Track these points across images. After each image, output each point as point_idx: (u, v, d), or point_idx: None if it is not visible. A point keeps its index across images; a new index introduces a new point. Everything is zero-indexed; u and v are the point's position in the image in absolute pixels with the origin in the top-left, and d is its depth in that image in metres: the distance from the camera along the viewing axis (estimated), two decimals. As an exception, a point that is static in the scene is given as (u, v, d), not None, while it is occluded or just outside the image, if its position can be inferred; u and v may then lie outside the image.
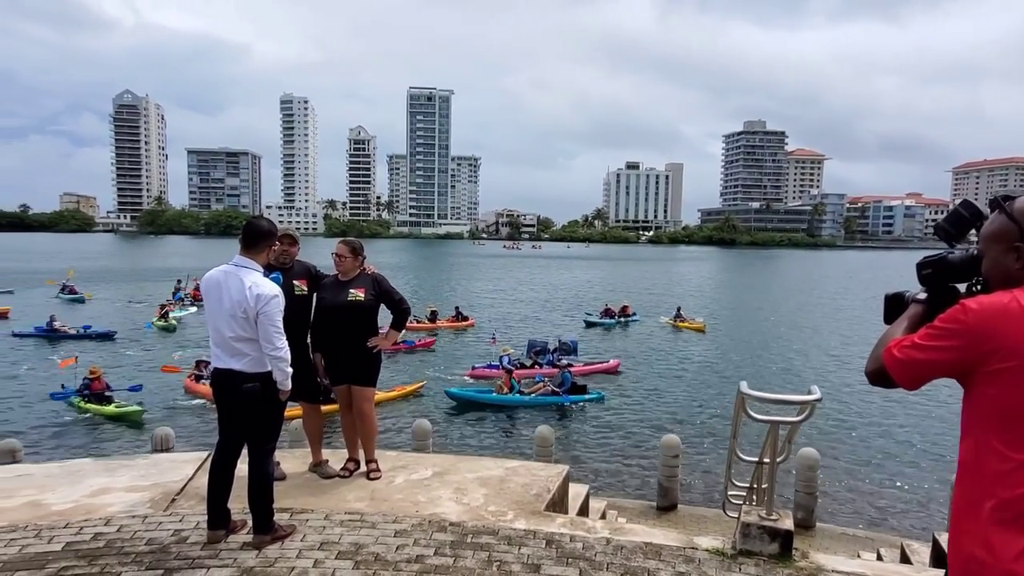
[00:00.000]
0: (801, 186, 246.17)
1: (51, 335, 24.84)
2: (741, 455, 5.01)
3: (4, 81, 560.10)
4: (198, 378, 16.65)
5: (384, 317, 5.08)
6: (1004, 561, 1.55)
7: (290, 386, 4.06)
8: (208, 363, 16.55)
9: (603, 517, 7.07)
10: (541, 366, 19.24)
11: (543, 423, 11.62)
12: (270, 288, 3.94)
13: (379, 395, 16.12)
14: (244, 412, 3.99)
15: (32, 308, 31.79)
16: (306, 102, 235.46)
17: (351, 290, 5.03)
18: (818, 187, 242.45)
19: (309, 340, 5.15)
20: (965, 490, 1.69)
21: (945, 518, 9.65)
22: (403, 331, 5.55)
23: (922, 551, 5.79)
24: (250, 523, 4.05)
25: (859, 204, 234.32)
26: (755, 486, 5.02)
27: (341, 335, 5.04)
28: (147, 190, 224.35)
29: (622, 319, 31.78)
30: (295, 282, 5.08)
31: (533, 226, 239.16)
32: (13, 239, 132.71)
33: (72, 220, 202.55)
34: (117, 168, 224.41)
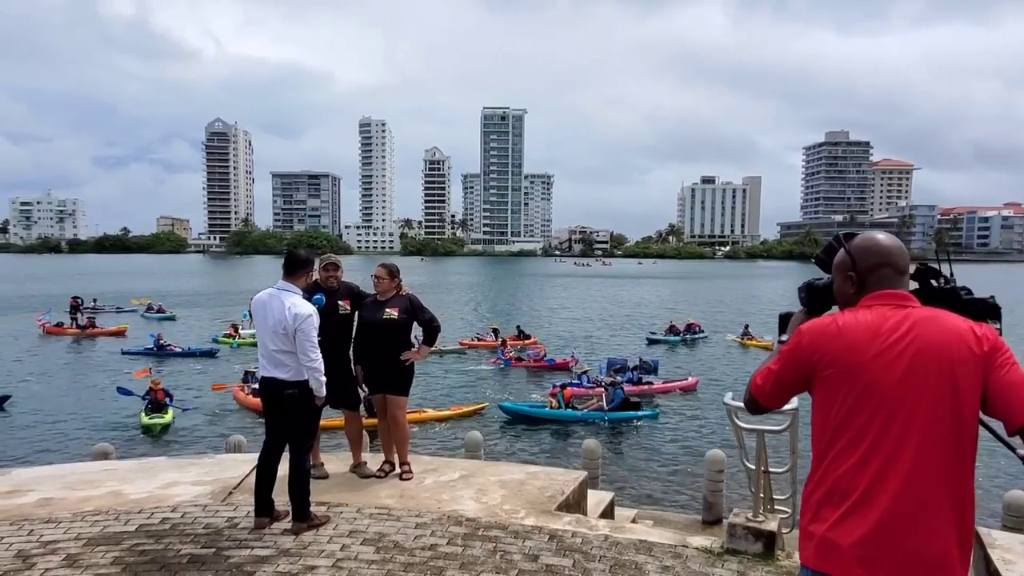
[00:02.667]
0: (888, 198, 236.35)
1: (159, 353, 25.97)
2: (749, 464, 5.29)
3: (108, 114, 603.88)
4: (252, 391, 17.61)
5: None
6: (821, 529, 1.93)
7: (324, 393, 4.66)
8: (252, 373, 17.74)
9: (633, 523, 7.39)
10: (621, 384, 19.42)
11: (593, 437, 11.96)
12: (306, 308, 4.57)
13: (437, 413, 16.66)
14: (285, 415, 4.62)
15: (143, 327, 33.88)
16: (383, 125, 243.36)
17: (387, 309, 5.62)
18: (906, 198, 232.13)
19: (351, 353, 5.77)
20: (809, 476, 2.07)
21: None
22: (434, 345, 6.09)
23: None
24: (290, 512, 4.66)
25: (951, 215, 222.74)
26: (756, 492, 5.28)
27: (378, 349, 5.63)
28: (235, 212, 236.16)
29: (687, 336, 31.55)
30: (339, 302, 5.70)
31: (606, 242, 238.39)
32: (115, 260, 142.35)
33: (167, 241, 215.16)
34: (208, 192, 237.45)
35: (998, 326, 2.05)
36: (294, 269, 4.73)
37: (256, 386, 17.09)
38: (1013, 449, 1.96)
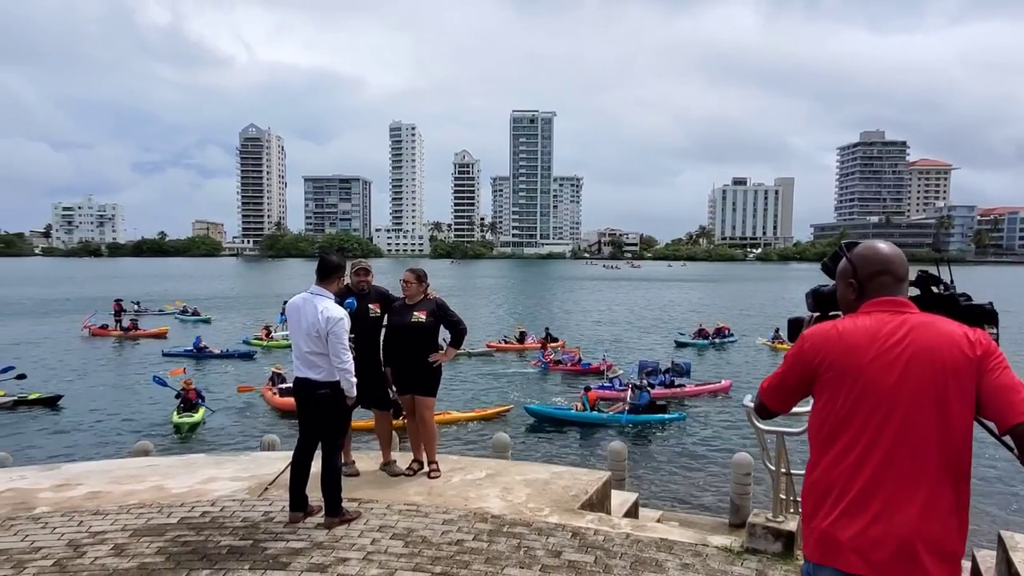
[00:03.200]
0: (925, 198, 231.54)
1: (199, 355, 26.56)
2: (770, 465, 5.36)
3: (146, 121, 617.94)
4: (279, 391, 18.07)
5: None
6: (821, 525, 2.04)
7: (355, 393, 4.85)
8: (280, 374, 18.10)
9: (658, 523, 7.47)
10: (653, 387, 19.42)
11: (619, 439, 12.02)
12: (337, 312, 4.76)
13: (461, 415, 16.80)
14: (318, 413, 4.82)
15: (179, 329, 34.76)
16: (413, 128, 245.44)
17: (415, 312, 5.80)
18: (944, 199, 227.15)
19: (381, 355, 5.96)
20: (807, 474, 2.18)
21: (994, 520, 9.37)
22: (460, 347, 6.26)
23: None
24: (323, 508, 4.85)
25: (992, 216, 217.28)
26: (775, 493, 5.35)
27: (406, 351, 5.81)
28: (268, 216, 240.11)
29: (716, 340, 31.33)
30: (370, 306, 5.89)
31: (636, 245, 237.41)
32: (153, 263, 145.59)
33: (202, 245, 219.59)
34: (242, 196, 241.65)
35: (994, 331, 2.14)
36: (327, 274, 4.93)
37: (284, 386, 17.66)
38: (1011, 448, 2.05)
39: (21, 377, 19.83)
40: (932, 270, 2.32)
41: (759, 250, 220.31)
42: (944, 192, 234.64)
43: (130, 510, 5.09)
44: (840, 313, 2.33)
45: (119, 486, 5.64)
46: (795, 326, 2.57)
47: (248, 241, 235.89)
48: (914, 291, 2.31)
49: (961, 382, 1.94)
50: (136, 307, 40.08)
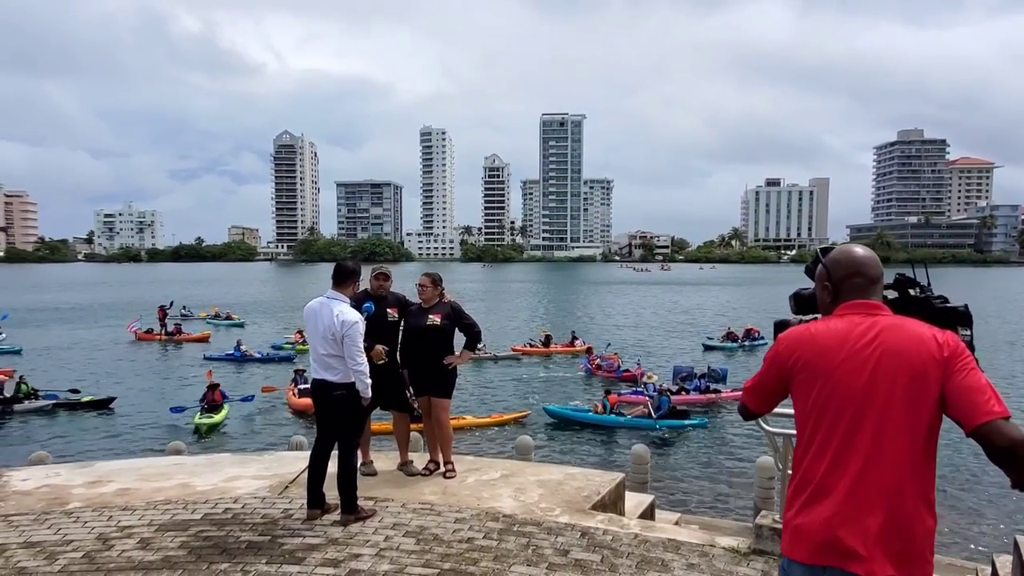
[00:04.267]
0: (966, 198, 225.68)
1: (241, 359, 26.94)
2: (779, 466, 5.38)
3: (181, 129, 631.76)
4: (299, 391, 18.42)
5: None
6: (793, 519, 2.11)
7: (370, 394, 5.00)
8: (301, 372, 18.37)
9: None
10: (688, 392, 19.28)
11: (642, 443, 12.02)
12: (353, 316, 4.91)
13: (477, 420, 16.71)
14: (334, 414, 4.98)
15: (218, 334, 35.46)
16: (443, 133, 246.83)
17: (430, 316, 5.94)
18: (987, 198, 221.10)
19: (399, 358, 6.11)
20: (792, 474, 2.25)
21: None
22: (475, 350, 6.38)
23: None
24: (340, 505, 5.00)
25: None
26: (783, 494, 5.36)
27: (422, 354, 5.95)
28: (301, 221, 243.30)
29: (746, 343, 30.99)
30: (388, 310, 6.04)
31: (667, 247, 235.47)
32: (190, 268, 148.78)
33: (238, 250, 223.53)
34: (276, 202, 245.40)
35: (967, 332, 2.19)
36: (342, 279, 5.10)
37: (303, 387, 18.02)
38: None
39: None
40: (909, 272, 2.37)
41: (793, 252, 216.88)
42: (986, 191, 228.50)
43: (157, 506, 5.31)
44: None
45: (148, 483, 5.87)
46: (780, 328, 2.63)
47: (282, 246, 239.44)
48: (893, 293, 2.36)
49: (928, 383, 1.99)
50: (184, 310, 41.09)
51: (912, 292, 2.32)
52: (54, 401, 18.90)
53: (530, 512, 5.17)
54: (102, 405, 19.02)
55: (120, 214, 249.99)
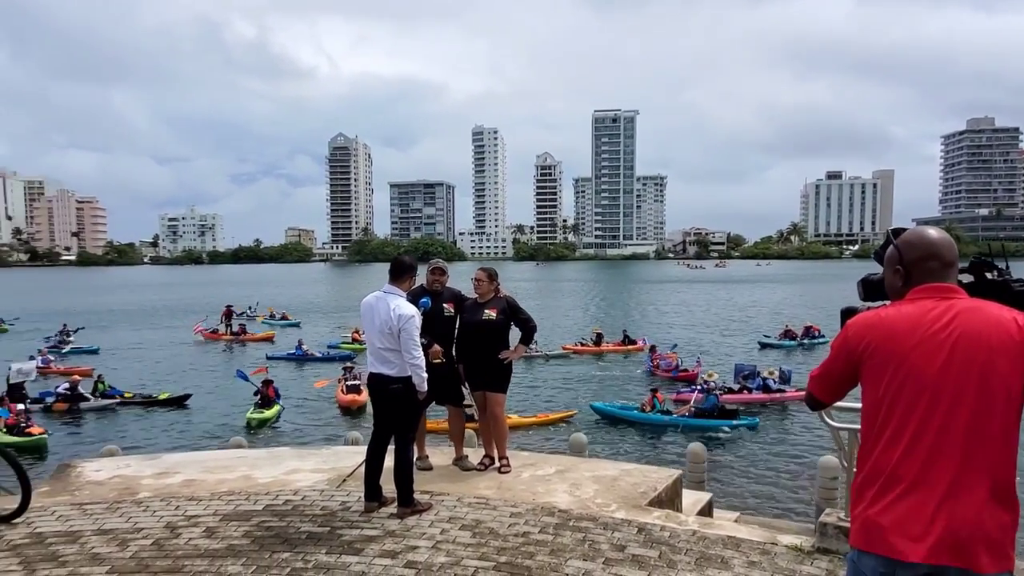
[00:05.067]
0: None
1: (302, 358, 27.72)
2: (844, 462, 5.20)
3: (240, 134, 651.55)
4: (345, 387, 18.87)
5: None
6: (865, 511, 2.02)
7: (426, 388, 5.04)
8: (349, 369, 18.78)
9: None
10: (750, 391, 18.93)
11: (697, 442, 11.78)
12: (409, 310, 4.95)
13: (524, 419, 16.52)
14: (390, 408, 5.03)
15: (281, 335, 36.31)
16: (495, 132, 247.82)
17: (486, 310, 5.94)
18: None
19: (454, 352, 6.13)
20: (859, 464, 2.16)
21: None
22: (531, 345, 6.36)
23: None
24: (396, 498, 5.05)
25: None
26: (849, 491, 5.18)
27: (478, 348, 5.95)
28: (356, 222, 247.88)
29: (805, 341, 30.10)
30: (444, 305, 6.06)
31: (722, 244, 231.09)
32: (249, 270, 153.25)
33: (294, 252, 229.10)
34: (331, 203, 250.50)
35: None
36: (399, 274, 5.14)
37: (351, 383, 18.40)
38: None
39: None
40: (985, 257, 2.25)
41: (856, 247, 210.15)
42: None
43: (220, 497, 5.46)
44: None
45: (211, 475, 6.04)
46: (847, 315, 2.53)
47: (337, 247, 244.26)
48: (968, 277, 2.25)
49: (1007, 366, 1.89)
50: (250, 310, 42.39)
51: (989, 275, 2.20)
52: (129, 399, 19.72)
53: (586, 507, 5.13)
54: (179, 402, 19.79)
55: (183, 218, 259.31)
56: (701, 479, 10.15)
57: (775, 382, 19.13)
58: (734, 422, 16.18)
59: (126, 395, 19.93)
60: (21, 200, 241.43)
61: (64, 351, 29.95)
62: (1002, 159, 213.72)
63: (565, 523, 4.81)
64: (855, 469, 2.26)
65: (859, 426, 4.52)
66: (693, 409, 16.48)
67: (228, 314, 36.13)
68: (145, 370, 26.23)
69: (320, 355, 28.11)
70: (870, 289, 2.40)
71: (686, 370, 22.58)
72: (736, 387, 19.10)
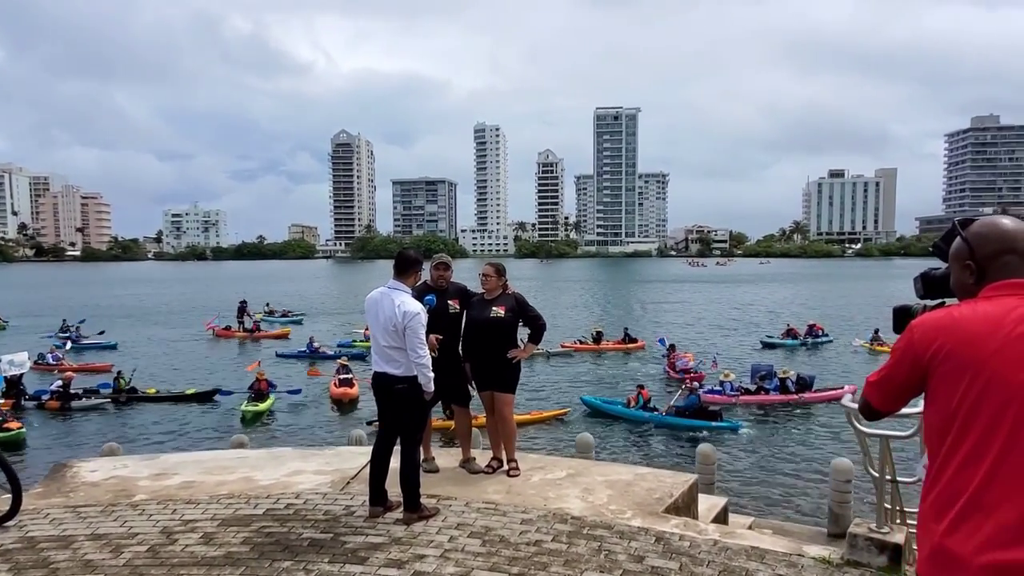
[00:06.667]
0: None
1: (313, 356, 27.23)
2: (873, 471, 4.98)
3: (242, 130, 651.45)
4: (338, 380, 19.09)
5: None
6: (938, 538, 1.79)
7: (432, 388, 4.82)
8: (346, 366, 18.73)
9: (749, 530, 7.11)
10: (767, 391, 18.63)
11: (705, 441, 11.61)
12: (414, 306, 4.74)
13: (517, 417, 16.50)
14: (396, 408, 4.82)
15: (294, 331, 35.95)
16: (497, 129, 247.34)
17: (494, 307, 5.72)
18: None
19: (460, 351, 5.91)
20: (927, 483, 1.93)
21: None
22: (539, 343, 6.13)
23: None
24: (402, 503, 4.84)
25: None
26: (880, 502, 4.96)
27: (485, 347, 5.73)
28: (358, 219, 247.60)
29: (808, 340, 29.75)
30: (449, 301, 5.84)
31: (724, 242, 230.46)
32: (253, 266, 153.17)
33: (297, 248, 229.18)
34: (334, 200, 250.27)
35: None
36: (404, 269, 4.92)
37: (343, 377, 18.65)
38: None
39: None
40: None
41: (859, 245, 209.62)
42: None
43: (220, 500, 5.25)
44: (950, 300, 2.07)
45: (211, 476, 5.84)
46: (902, 315, 2.30)
47: (340, 243, 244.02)
48: None
49: None
50: (267, 307, 41.96)
51: None
52: (153, 395, 19.57)
53: (600, 514, 4.91)
54: (206, 398, 19.65)
55: (187, 214, 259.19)
56: (711, 481, 9.92)
57: (792, 383, 18.82)
58: (714, 424, 15.73)
59: (149, 391, 19.76)
60: (27, 196, 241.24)
61: (82, 345, 29.85)
62: (1007, 157, 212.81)
63: (579, 531, 4.60)
64: (922, 484, 2.03)
65: (892, 433, 4.32)
66: (674, 408, 16.20)
67: (242, 310, 35.58)
68: (161, 367, 26.05)
69: (332, 354, 27.78)
70: (931, 286, 2.18)
71: (697, 372, 21.89)
72: (753, 387, 18.82)
